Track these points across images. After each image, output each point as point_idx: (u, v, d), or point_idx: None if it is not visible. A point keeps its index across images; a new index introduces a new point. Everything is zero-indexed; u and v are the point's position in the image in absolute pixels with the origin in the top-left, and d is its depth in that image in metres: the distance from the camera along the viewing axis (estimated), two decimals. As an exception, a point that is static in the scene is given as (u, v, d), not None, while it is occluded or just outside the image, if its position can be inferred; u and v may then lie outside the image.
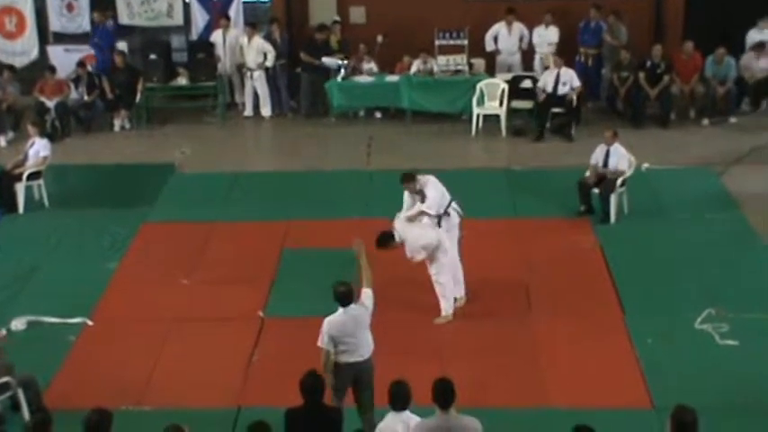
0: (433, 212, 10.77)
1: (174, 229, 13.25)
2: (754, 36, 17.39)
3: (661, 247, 12.38)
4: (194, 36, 18.81)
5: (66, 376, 9.84)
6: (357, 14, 18.96)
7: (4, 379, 8.87)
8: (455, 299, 10.88)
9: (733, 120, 17.08)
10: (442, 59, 17.21)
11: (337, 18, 18.38)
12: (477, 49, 17.65)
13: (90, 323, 10.85)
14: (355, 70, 17.67)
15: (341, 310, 8.37)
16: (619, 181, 12.99)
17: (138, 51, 18.42)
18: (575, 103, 16.52)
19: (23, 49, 19.11)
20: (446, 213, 10.92)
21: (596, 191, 13.11)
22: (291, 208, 13.73)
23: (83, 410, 7.31)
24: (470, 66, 17.31)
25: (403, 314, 10.80)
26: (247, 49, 17.71)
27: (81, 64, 17.76)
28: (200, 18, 18.81)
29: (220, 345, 10.37)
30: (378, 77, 17.60)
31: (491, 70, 17.84)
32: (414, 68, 17.37)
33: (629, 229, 12.88)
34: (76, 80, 17.64)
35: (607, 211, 12.98)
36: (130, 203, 14.08)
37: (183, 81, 17.95)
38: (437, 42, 17.26)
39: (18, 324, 10.75)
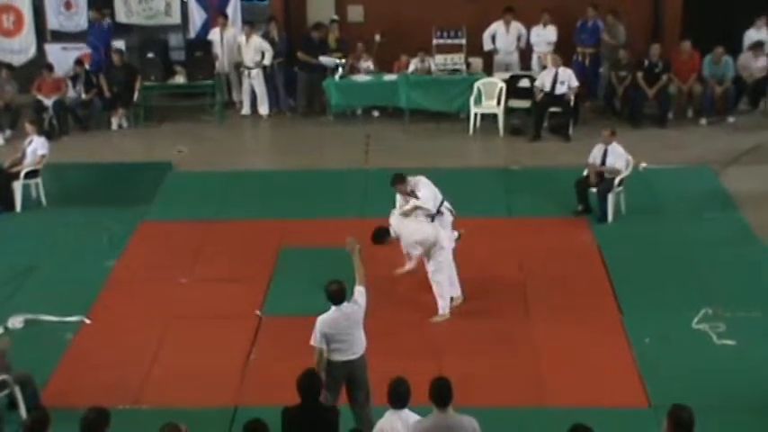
0: (428, 206, 10.80)
1: (171, 228, 13.25)
2: (751, 35, 17.39)
3: (658, 246, 12.39)
4: (192, 34, 18.78)
5: (64, 375, 9.84)
6: (355, 13, 18.96)
7: (2, 377, 8.87)
8: (452, 298, 10.89)
9: (731, 119, 17.09)
10: (439, 58, 17.21)
11: (335, 17, 18.37)
12: (474, 48, 17.65)
13: (88, 321, 10.85)
14: (353, 69, 17.67)
15: (333, 308, 8.39)
16: (616, 180, 13.00)
17: (136, 50, 18.40)
18: (572, 102, 16.53)
19: (21, 48, 19.07)
20: (439, 213, 10.95)
21: (594, 190, 13.12)
22: (289, 207, 13.72)
23: (80, 409, 7.32)
24: (468, 65, 17.31)
25: (400, 313, 10.83)
26: (245, 48, 17.70)
27: (79, 62, 17.74)
28: (197, 17, 18.79)
29: (218, 343, 10.37)
30: (375, 76, 17.60)
31: (489, 69, 17.83)
32: (411, 67, 17.37)
33: (627, 228, 12.89)
34: (74, 78, 17.62)
35: (605, 210, 12.99)
36: (128, 202, 14.08)
37: (180, 79, 17.93)
38: (435, 41, 17.26)
39: (16, 322, 10.75)
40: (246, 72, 17.83)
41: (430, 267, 10.76)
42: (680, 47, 17.23)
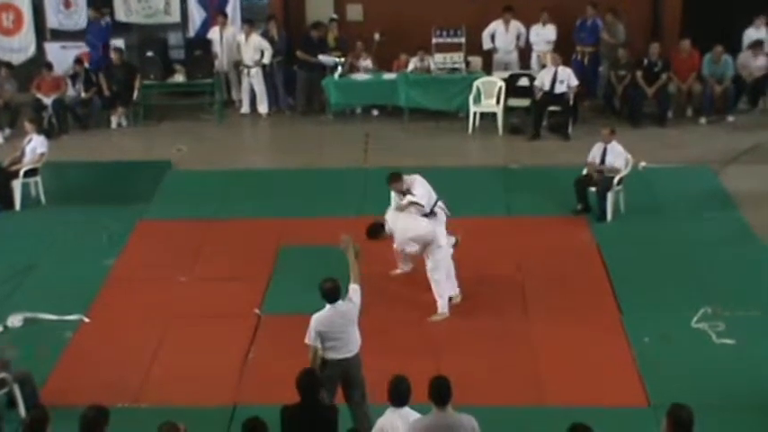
0: (423, 203, 10.82)
1: (170, 227, 13.24)
2: (751, 34, 17.39)
3: (658, 245, 12.38)
4: (191, 33, 18.78)
5: (63, 373, 9.84)
6: (354, 12, 18.95)
7: (1, 375, 8.87)
8: (450, 297, 10.89)
9: (730, 118, 17.08)
10: (439, 57, 17.20)
11: (334, 16, 18.37)
12: (474, 47, 17.64)
13: (87, 320, 10.85)
14: (352, 68, 17.67)
15: (328, 306, 8.39)
16: (616, 179, 13.00)
17: (136, 48, 18.40)
18: (572, 101, 16.53)
19: (21, 46, 19.07)
20: (432, 213, 10.97)
21: (593, 189, 13.12)
22: (288, 205, 13.73)
23: (79, 407, 7.31)
24: (467, 64, 17.31)
25: (396, 311, 10.85)
26: (244, 47, 17.70)
27: (78, 61, 17.76)
28: (197, 15, 18.78)
29: (217, 342, 10.37)
30: (375, 75, 17.60)
31: (488, 68, 17.84)
32: (411, 66, 17.37)
33: (626, 227, 12.89)
34: (74, 77, 17.63)
35: (604, 209, 12.99)
36: (127, 200, 14.08)
37: (180, 78, 17.92)
38: (434, 40, 17.25)
39: (15, 321, 10.75)
40: (246, 71, 17.82)
41: (428, 266, 10.77)
42: (679, 46, 17.22)
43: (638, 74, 16.91)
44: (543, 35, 17.83)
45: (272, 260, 12.15)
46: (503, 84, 16.91)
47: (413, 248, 10.73)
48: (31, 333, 10.57)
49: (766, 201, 13.54)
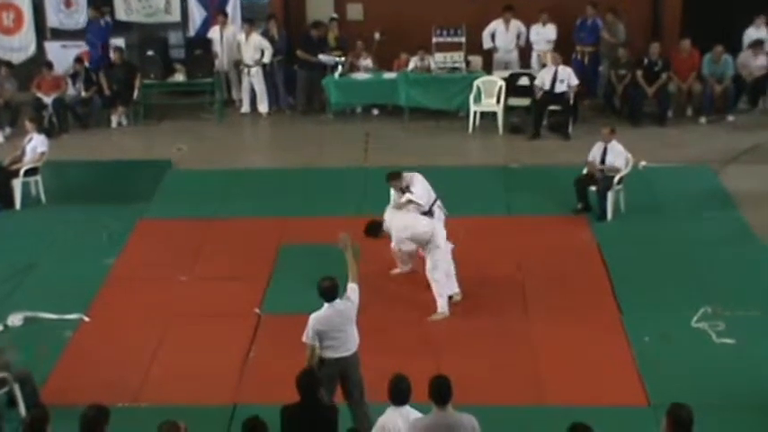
0: (422, 202, 10.83)
1: (171, 226, 13.25)
2: (751, 34, 17.39)
3: (658, 244, 12.38)
4: (192, 32, 18.78)
5: (63, 372, 9.84)
6: (354, 11, 18.95)
7: (1, 374, 8.87)
8: (450, 296, 10.89)
9: (731, 118, 17.08)
10: (439, 57, 17.21)
11: (335, 15, 18.38)
12: (474, 46, 17.64)
13: (87, 319, 10.86)
14: (353, 67, 17.67)
15: (326, 305, 8.40)
16: (616, 179, 13.00)
17: (136, 48, 18.40)
18: (572, 100, 16.53)
19: (21, 45, 19.08)
20: (430, 212, 10.97)
21: (594, 188, 13.13)
22: (289, 204, 13.73)
23: (79, 406, 7.32)
24: (468, 63, 17.31)
25: (395, 310, 10.86)
26: (245, 46, 17.70)
27: (78, 60, 17.77)
28: (197, 14, 18.79)
29: (217, 341, 10.37)
30: (375, 74, 17.61)
31: (488, 68, 17.84)
32: (411, 65, 17.37)
33: (626, 227, 12.89)
34: (74, 76, 17.65)
35: (604, 208, 12.99)
36: (128, 200, 14.08)
37: (180, 77, 17.92)
38: (434, 39, 17.26)
39: (15, 320, 10.75)
40: (246, 70, 17.83)
41: (427, 265, 10.78)
42: (679, 45, 17.22)
43: (639, 73, 16.91)
44: (543, 34, 17.83)
45: (272, 259, 12.15)
46: (503, 83, 16.91)
47: (408, 248, 10.73)
48: (32, 332, 10.57)
49: (766, 201, 13.54)
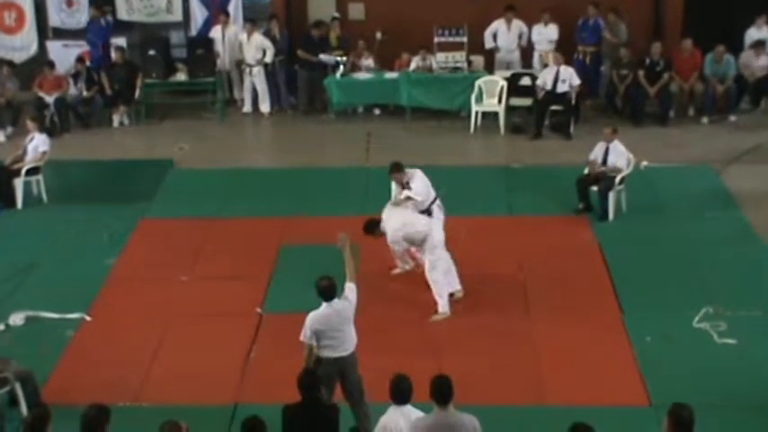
0: (419, 199, 10.82)
1: (172, 225, 13.25)
2: (752, 34, 17.39)
3: (659, 245, 12.38)
4: (193, 32, 18.77)
5: (64, 371, 9.84)
6: (356, 11, 18.96)
7: (3, 374, 8.87)
8: (452, 294, 10.88)
9: (732, 118, 17.08)
10: (441, 56, 17.21)
11: (336, 14, 18.38)
12: (476, 46, 17.64)
13: (88, 319, 10.86)
14: (354, 67, 17.67)
15: (324, 304, 8.39)
16: (617, 179, 12.99)
17: (137, 47, 18.40)
18: (573, 100, 16.52)
19: (23, 45, 19.08)
20: (429, 211, 10.97)
21: (595, 188, 13.12)
22: (290, 204, 13.73)
23: (81, 406, 7.33)
24: (469, 63, 17.30)
25: (399, 310, 10.85)
26: (246, 46, 17.70)
27: (80, 59, 17.79)
28: (199, 14, 18.78)
29: (218, 341, 10.37)
30: (377, 74, 17.60)
31: (490, 67, 17.83)
32: (413, 65, 17.36)
33: (628, 227, 12.88)
34: (76, 76, 17.65)
35: (606, 208, 12.98)
36: (129, 199, 14.08)
37: (181, 77, 17.92)
38: (436, 39, 17.26)
39: (16, 319, 10.75)
40: (248, 70, 17.83)
41: (426, 266, 10.77)
42: (681, 45, 17.21)
43: (640, 73, 16.90)
44: (545, 34, 17.82)
45: (273, 259, 12.15)
46: (505, 83, 16.90)
47: (402, 247, 10.72)
48: (33, 331, 10.58)
49: (768, 200, 13.56)
